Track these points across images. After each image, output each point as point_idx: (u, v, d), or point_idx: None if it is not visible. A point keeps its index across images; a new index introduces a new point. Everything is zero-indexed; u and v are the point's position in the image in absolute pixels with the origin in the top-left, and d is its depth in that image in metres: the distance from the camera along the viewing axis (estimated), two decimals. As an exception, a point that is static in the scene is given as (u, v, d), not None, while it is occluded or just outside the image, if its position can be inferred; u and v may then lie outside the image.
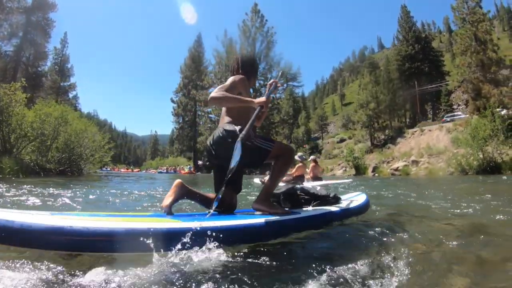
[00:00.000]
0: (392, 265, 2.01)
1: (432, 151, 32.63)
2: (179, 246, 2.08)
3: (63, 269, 1.84)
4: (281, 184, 7.50)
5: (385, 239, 2.74)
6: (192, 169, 58.31)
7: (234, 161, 2.65)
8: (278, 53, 61.37)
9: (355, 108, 61.01)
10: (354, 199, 4.42)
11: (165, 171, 64.71)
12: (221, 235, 2.22)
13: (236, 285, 1.64)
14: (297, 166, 11.54)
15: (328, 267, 1.91)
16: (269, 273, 1.90)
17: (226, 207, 3.22)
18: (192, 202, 3.40)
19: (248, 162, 3.03)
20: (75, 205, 4.80)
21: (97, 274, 1.74)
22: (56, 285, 1.66)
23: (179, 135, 69.76)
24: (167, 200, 2.93)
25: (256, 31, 56.44)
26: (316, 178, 13.31)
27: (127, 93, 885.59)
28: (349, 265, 1.95)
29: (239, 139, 2.74)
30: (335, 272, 1.85)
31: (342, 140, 56.83)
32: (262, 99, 3.01)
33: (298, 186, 4.00)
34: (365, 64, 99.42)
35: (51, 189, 7.50)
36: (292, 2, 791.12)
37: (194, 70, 69.71)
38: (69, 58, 63.87)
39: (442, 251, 2.39)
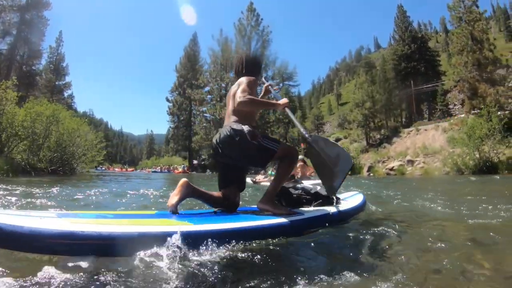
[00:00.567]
0: (390, 265, 2.08)
1: (427, 151, 32.57)
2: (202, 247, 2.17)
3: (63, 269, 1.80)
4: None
5: (381, 239, 2.81)
6: (186, 169, 58.10)
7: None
8: (273, 52, 60.97)
9: (350, 108, 61.05)
10: (351, 199, 4.52)
11: (159, 170, 64.39)
12: (241, 236, 2.40)
13: (236, 285, 1.71)
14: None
15: (327, 267, 2.01)
16: (270, 273, 1.91)
17: (230, 205, 3.30)
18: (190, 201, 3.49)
19: (253, 161, 3.23)
20: (56, 204, 4.77)
21: (104, 275, 1.78)
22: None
23: (174, 135, 69.13)
24: (173, 199, 2.93)
25: (251, 30, 56.10)
26: (304, 178, 13.14)
27: (123, 92, 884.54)
28: (349, 265, 2.00)
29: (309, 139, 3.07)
30: (334, 272, 1.89)
31: (337, 140, 56.46)
32: (285, 100, 3.37)
33: (299, 186, 4.07)
34: (361, 63, 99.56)
35: (35, 188, 7.37)
36: (289, 1, 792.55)
37: (190, 69, 69.17)
38: (64, 57, 63.10)
39: (439, 251, 2.41)
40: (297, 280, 1.77)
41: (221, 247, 2.21)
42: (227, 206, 3.30)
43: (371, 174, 32.75)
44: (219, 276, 1.84)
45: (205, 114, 60.90)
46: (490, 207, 4.65)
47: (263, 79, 4.29)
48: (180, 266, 1.91)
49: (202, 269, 1.89)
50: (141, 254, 1.96)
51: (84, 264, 1.85)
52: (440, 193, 7.90)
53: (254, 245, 2.41)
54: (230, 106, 3.38)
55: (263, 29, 56.60)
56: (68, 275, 1.74)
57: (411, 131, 43.58)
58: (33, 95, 41.69)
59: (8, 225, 1.84)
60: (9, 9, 46.23)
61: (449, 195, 7.53)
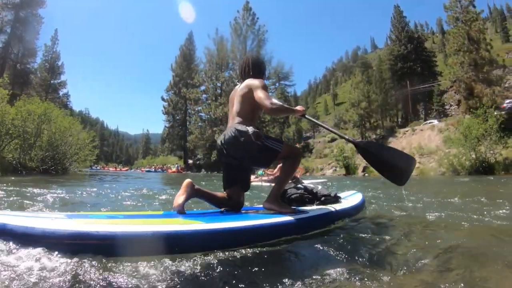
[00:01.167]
0: (389, 264, 2.10)
1: (423, 151, 32.43)
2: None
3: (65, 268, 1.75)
4: (265, 184, 7.15)
5: (379, 239, 2.79)
6: (179, 168, 58.02)
7: None
8: (269, 51, 60.92)
9: (346, 108, 60.93)
10: (351, 197, 4.58)
11: (153, 170, 64.50)
12: (251, 234, 2.48)
13: (236, 284, 1.72)
14: (278, 166, 11.31)
15: (325, 266, 1.98)
16: (271, 272, 1.94)
17: (234, 205, 3.35)
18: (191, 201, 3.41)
19: (257, 161, 3.31)
20: (46, 204, 4.79)
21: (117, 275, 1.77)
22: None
23: (169, 134, 69.13)
24: (179, 199, 2.93)
25: (247, 29, 56.01)
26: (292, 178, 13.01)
27: (119, 91, 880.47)
28: (348, 265, 2.02)
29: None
30: (332, 271, 1.89)
31: (333, 140, 56.39)
32: (302, 108, 3.52)
33: (301, 186, 4.16)
34: (358, 63, 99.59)
35: (24, 188, 7.26)
36: (286, 1, 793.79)
37: (185, 68, 69.06)
38: (59, 56, 62.93)
39: (436, 251, 2.40)
40: (298, 279, 1.78)
41: (231, 245, 2.30)
42: (231, 206, 3.34)
43: (366, 175, 32.53)
44: (225, 275, 1.86)
45: (200, 114, 60.99)
46: (484, 207, 4.65)
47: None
48: (189, 265, 1.94)
49: (209, 268, 1.92)
50: (152, 253, 2.02)
51: (94, 264, 1.83)
52: (437, 194, 7.86)
53: (255, 244, 2.42)
54: (234, 108, 3.39)
55: (259, 28, 56.67)
56: (73, 276, 1.70)
57: (406, 131, 43.56)
58: (27, 93, 41.43)
59: (20, 227, 1.86)
60: (3, 7, 46.41)
61: (445, 195, 7.16)
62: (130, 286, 1.65)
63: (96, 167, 79.01)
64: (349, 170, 34.67)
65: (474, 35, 35.87)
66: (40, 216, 2.16)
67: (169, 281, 1.72)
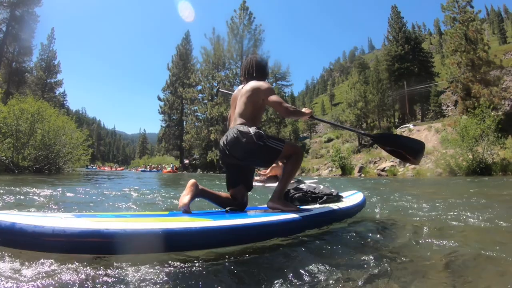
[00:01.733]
0: (387, 265, 2.10)
1: (419, 152, 32.23)
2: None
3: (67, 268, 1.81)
4: (258, 184, 7.71)
5: (377, 239, 2.88)
6: (174, 168, 58.01)
7: None
8: (266, 50, 60.68)
9: (343, 108, 60.77)
10: (353, 197, 4.59)
11: (148, 170, 64.64)
12: (258, 231, 2.54)
13: (234, 284, 1.77)
14: (270, 167, 11.15)
15: (325, 266, 1.99)
16: (271, 271, 1.97)
17: (238, 205, 3.37)
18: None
19: (260, 161, 3.42)
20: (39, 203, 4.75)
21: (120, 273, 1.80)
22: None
23: (166, 134, 68.87)
24: (185, 198, 2.97)
25: (244, 28, 55.64)
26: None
27: (117, 91, 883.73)
28: (347, 265, 2.08)
29: None
30: (332, 271, 1.93)
31: (329, 140, 56.36)
32: (310, 110, 3.50)
33: (303, 185, 4.20)
34: (355, 63, 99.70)
35: (16, 188, 7.16)
36: (284, 2, 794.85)
37: (182, 68, 68.84)
38: (56, 54, 62.73)
39: (434, 251, 2.48)
40: (296, 280, 1.81)
41: (239, 242, 2.41)
42: (235, 206, 3.34)
43: (362, 175, 32.26)
44: (225, 274, 1.89)
45: (196, 113, 60.60)
46: (477, 208, 4.80)
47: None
48: (190, 263, 1.99)
49: (209, 267, 1.97)
50: (162, 250, 2.07)
51: (94, 263, 1.88)
52: (433, 195, 8.04)
53: (257, 243, 2.51)
54: (237, 109, 3.43)
55: (256, 28, 56.30)
56: (75, 276, 1.73)
57: (403, 131, 43.17)
58: (22, 92, 41.30)
59: (29, 226, 1.84)
60: (-1, 5, 45.89)
61: (441, 196, 7.33)
62: (131, 285, 1.66)
63: (92, 166, 79.54)
64: (345, 170, 34.33)
65: (472, 35, 35.66)
66: (48, 216, 2.12)
67: (172, 281, 1.74)
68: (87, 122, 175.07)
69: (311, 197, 3.93)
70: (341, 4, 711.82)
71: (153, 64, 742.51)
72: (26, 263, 1.83)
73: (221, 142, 3.32)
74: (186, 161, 66.62)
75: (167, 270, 1.87)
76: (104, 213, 2.97)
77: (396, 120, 61.76)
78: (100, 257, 1.99)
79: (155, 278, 1.75)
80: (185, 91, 60.71)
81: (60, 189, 7.20)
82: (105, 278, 1.72)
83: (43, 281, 1.63)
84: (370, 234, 3.03)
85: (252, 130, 3.11)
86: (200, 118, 58.83)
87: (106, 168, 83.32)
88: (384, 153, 36.78)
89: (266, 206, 3.52)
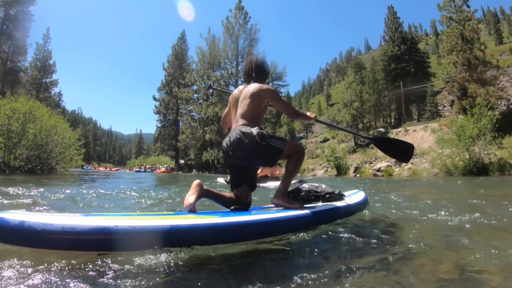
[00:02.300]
0: (387, 264, 2.11)
1: (416, 152, 32.06)
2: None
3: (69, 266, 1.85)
4: None
5: (377, 238, 2.84)
6: (168, 168, 58.19)
7: None
8: (261, 50, 60.39)
9: (339, 107, 60.64)
10: (355, 195, 4.72)
11: (142, 170, 65.19)
12: (265, 227, 2.65)
13: (234, 284, 1.75)
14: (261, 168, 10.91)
15: (325, 265, 2.08)
16: (272, 270, 2.02)
17: (243, 205, 3.41)
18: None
19: (263, 161, 3.43)
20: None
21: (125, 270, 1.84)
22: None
23: (161, 134, 68.62)
24: (190, 198, 3.02)
25: (239, 28, 55.47)
26: (272, 178, 12.67)
27: (114, 91, 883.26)
28: (347, 265, 2.05)
29: None
30: (331, 270, 1.95)
31: (325, 140, 56.10)
32: (314, 114, 3.80)
33: (305, 185, 4.25)
34: (351, 64, 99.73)
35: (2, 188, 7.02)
36: (281, 2, 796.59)
37: (177, 68, 68.76)
38: (51, 54, 62.41)
39: (432, 251, 2.49)
40: (297, 279, 1.81)
41: (245, 239, 2.48)
42: (239, 205, 3.39)
43: (358, 175, 31.97)
44: (225, 272, 1.92)
45: (191, 113, 60.47)
46: (475, 208, 4.71)
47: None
48: (190, 263, 2.02)
49: (208, 267, 2.00)
50: (171, 245, 2.12)
51: (95, 262, 1.88)
52: (429, 195, 8.12)
53: (258, 242, 2.53)
54: (239, 110, 3.46)
55: (251, 27, 56.16)
56: (77, 274, 1.75)
57: (399, 131, 43.18)
58: (16, 92, 41.09)
59: (39, 223, 1.85)
60: (-7, 4, 45.77)
61: (437, 196, 7.44)
62: (132, 284, 1.66)
63: (88, 167, 79.86)
64: (341, 170, 34.02)
65: (468, 35, 35.53)
66: (55, 215, 2.17)
67: (174, 278, 1.78)
68: (83, 122, 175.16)
69: (314, 195, 4.01)
70: (338, 4, 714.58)
71: (151, 64, 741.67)
72: (30, 262, 1.85)
73: (224, 143, 3.37)
74: (182, 161, 66.53)
75: (169, 267, 1.90)
76: (110, 213, 3.03)
77: (393, 120, 61.75)
78: (103, 254, 2.00)
79: (155, 276, 1.77)
80: (180, 91, 60.56)
81: (42, 189, 6.99)
82: (108, 276, 1.74)
83: (47, 280, 1.63)
84: (370, 234, 3.03)
85: (254, 130, 3.15)
86: (196, 118, 58.59)
87: (101, 169, 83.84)
88: (379, 153, 36.60)
89: (268, 206, 3.67)
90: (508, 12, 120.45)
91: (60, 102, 62.96)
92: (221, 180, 15.47)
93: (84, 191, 7.26)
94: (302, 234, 2.81)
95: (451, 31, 37.16)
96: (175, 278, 1.78)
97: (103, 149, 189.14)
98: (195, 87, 59.87)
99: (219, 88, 3.61)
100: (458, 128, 22.77)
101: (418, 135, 37.47)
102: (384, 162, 32.31)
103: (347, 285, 1.76)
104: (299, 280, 1.79)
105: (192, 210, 2.90)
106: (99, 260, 1.91)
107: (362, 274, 1.90)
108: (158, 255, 2.02)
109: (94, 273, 1.77)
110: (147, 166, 72.76)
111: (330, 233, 2.95)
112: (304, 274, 1.86)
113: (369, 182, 16.26)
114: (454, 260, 2.23)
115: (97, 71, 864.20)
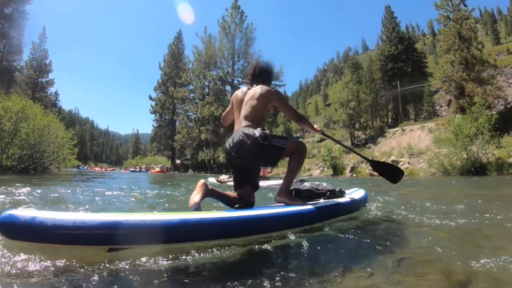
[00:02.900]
0: (386, 264, 2.14)
1: (413, 151, 31.93)
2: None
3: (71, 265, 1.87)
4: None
5: (376, 238, 2.89)
6: (163, 168, 58.23)
7: None
8: (257, 50, 60.10)
9: (335, 107, 60.61)
10: (355, 193, 4.71)
11: (138, 170, 65.64)
12: (271, 221, 2.76)
13: (233, 284, 1.76)
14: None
15: (325, 265, 2.13)
16: (272, 269, 2.02)
17: (246, 204, 3.48)
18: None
19: (265, 161, 3.47)
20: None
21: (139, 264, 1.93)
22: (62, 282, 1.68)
23: (157, 134, 68.38)
24: (196, 197, 3.09)
25: (236, 27, 55.24)
26: (263, 178, 12.47)
27: (111, 91, 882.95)
28: (346, 265, 2.10)
29: None
30: (331, 271, 1.99)
31: (321, 140, 55.88)
32: (319, 127, 4.00)
33: (307, 183, 4.29)
34: (348, 63, 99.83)
35: None
36: (279, 2, 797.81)
37: (174, 67, 68.31)
38: (47, 54, 62.41)
39: (431, 251, 2.47)
40: (297, 279, 1.84)
41: (251, 233, 2.57)
42: (243, 205, 3.45)
43: (354, 175, 31.76)
44: (225, 271, 2.03)
45: (187, 113, 60.20)
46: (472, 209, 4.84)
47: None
48: (190, 262, 2.07)
49: (207, 266, 2.03)
50: (180, 240, 2.22)
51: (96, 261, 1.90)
52: (426, 194, 8.25)
53: (259, 241, 2.54)
54: (243, 111, 3.50)
55: (247, 26, 55.87)
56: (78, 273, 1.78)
57: (396, 131, 43.14)
58: (12, 92, 40.84)
59: (49, 219, 1.87)
60: (-13, 3, 45.61)
61: (434, 196, 7.48)
62: (133, 283, 1.70)
63: (84, 167, 79.89)
64: (337, 170, 33.81)
65: (465, 34, 35.42)
66: (64, 211, 2.28)
67: (177, 276, 1.83)
68: (80, 122, 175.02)
69: (315, 193, 4.04)
70: (336, 5, 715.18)
71: (149, 64, 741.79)
72: (38, 258, 1.88)
73: (227, 144, 3.41)
74: (178, 161, 66.35)
75: (171, 265, 1.95)
76: (119, 211, 3.05)
77: (390, 120, 61.75)
78: (113, 250, 2.02)
79: (156, 274, 1.82)
80: (176, 90, 60.22)
81: (29, 189, 6.81)
82: (118, 275, 1.77)
83: (53, 276, 1.68)
84: (368, 234, 3.09)
85: (257, 132, 3.20)
86: (192, 118, 58.23)
87: (97, 169, 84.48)
88: (376, 153, 36.63)
89: (273, 205, 3.59)
90: (505, 13, 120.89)
91: (57, 102, 62.93)
92: (212, 180, 15.46)
93: (69, 191, 7.04)
94: (301, 234, 2.80)
95: (448, 30, 37.03)
96: (184, 278, 1.81)
97: (100, 149, 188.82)
98: (191, 87, 59.59)
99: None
100: (455, 127, 22.58)
101: (415, 134, 37.37)
102: (381, 161, 32.16)
103: (347, 285, 1.79)
104: (299, 280, 1.81)
105: (197, 209, 2.98)
106: (107, 261, 1.92)
107: (362, 274, 1.94)
108: (166, 255, 2.08)
109: (103, 271, 1.80)
110: (142, 166, 73.28)
111: (329, 233, 2.99)
112: (304, 274, 1.90)
113: (366, 182, 16.10)
114: (454, 260, 2.22)
115: (95, 71, 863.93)
